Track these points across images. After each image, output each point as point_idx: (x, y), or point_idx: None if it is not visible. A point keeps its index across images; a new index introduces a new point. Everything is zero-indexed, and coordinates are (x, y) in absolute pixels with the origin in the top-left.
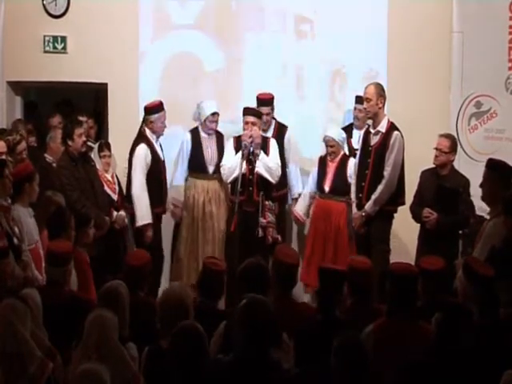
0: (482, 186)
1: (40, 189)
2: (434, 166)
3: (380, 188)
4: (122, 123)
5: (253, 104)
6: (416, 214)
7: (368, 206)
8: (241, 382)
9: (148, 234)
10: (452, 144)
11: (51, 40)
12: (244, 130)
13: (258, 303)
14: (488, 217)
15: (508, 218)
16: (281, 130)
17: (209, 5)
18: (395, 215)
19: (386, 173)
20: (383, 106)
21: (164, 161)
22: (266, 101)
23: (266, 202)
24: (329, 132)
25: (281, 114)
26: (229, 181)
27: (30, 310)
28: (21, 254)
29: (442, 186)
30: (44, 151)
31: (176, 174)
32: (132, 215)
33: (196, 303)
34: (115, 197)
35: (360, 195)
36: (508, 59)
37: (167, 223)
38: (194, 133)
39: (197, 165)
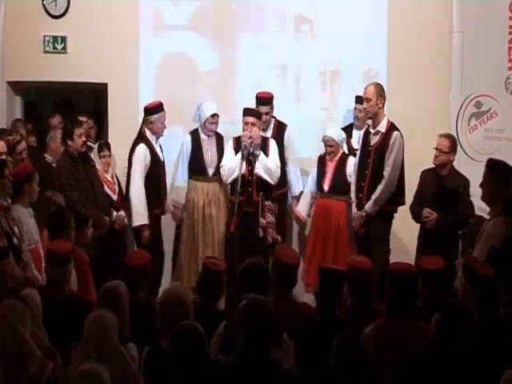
0: (482, 185)
1: (40, 189)
2: (433, 166)
3: (380, 188)
4: (122, 123)
5: (253, 104)
6: (416, 214)
7: (368, 205)
8: (241, 382)
9: (144, 234)
10: (452, 144)
11: (51, 40)
12: (244, 130)
13: (259, 303)
14: (488, 217)
15: (508, 217)
16: (280, 129)
17: (208, 5)
18: (395, 215)
19: (386, 173)
20: (383, 106)
21: (164, 162)
22: (265, 100)
23: (266, 203)
24: (328, 132)
25: (281, 113)
26: (228, 181)
27: (30, 310)
28: (21, 254)
29: (442, 186)
30: (44, 151)
31: (177, 176)
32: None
33: (196, 303)
34: (115, 197)
35: (360, 195)
36: (508, 59)
37: (169, 224)
38: (194, 135)
39: (197, 167)
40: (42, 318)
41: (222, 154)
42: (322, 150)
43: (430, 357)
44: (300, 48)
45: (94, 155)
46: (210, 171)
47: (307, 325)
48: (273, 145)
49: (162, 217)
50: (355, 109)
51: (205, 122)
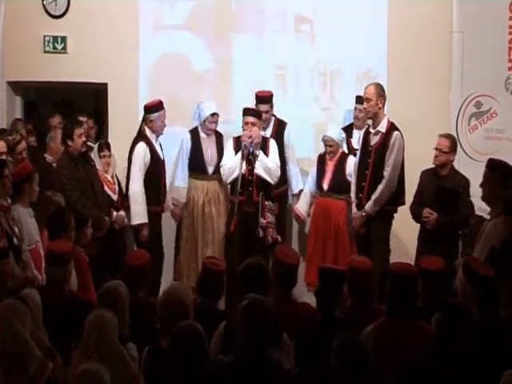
0: (482, 185)
1: (40, 189)
2: (433, 166)
3: (380, 188)
4: (122, 123)
5: (253, 104)
6: (416, 214)
7: (368, 205)
8: (241, 382)
9: (143, 233)
10: (452, 144)
11: (51, 40)
12: (244, 130)
13: (259, 303)
14: (488, 217)
15: (508, 218)
16: (280, 127)
17: (209, 5)
18: (395, 215)
19: (386, 173)
20: (383, 106)
21: (164, 160)
22: (264, 98)
23: (266, 203)
24: (328, 132)
25: (281, 113)
26: (228, 181)
27: (30, 310)
28: (21, 253)
29: (442, 186)
30: (44, 151)
31: (177, 174)
32: None
33: (196, 303)
34: (115, 197)
35: (360, 195)
36: (508, 59)
37: (170, 223)
38: (194, 133)
39: (196, 165)
40: (41, 318)
41: (222, 152)
42: (321, 150)
43: (430, 357)
44: (300, 48)
45: (94, 155)
46: (210, 169)
47: (307, 325)
48: (273, 144)
49: (164, 216)
50: (355, 109)
51: (204, 121)
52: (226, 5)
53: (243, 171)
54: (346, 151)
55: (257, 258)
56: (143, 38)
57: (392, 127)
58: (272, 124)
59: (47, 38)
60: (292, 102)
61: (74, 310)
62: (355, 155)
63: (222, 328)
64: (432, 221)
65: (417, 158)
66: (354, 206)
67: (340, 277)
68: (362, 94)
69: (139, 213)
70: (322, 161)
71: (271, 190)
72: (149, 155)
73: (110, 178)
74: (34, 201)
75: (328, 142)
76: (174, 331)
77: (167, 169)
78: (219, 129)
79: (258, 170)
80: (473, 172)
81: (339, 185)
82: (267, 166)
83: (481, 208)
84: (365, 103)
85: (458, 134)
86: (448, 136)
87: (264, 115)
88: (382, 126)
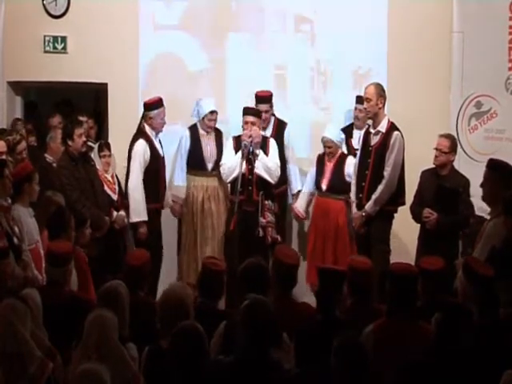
0: (482, 186)
1: (40, 189)
2: (433, 166)
3: (380, 188)
4: (122, 123)
5: (252, 104)
6: (416, 214)
7: (368, 206)
8: (241, 382)
9: (141, 230)
10: (452, 144)
11: (51, 40)
12: (244, 129)
13: (259, 304)
14: (488, 217)
15: (508, 218)
16: (280, 127)
17: (210, 5)
18: (395, 215)
19: (386, 173)
20: (383, 106)
21: (163, 157)
22: (264, 98)
23: (266, 202)
24: (327, 133)
25: (280, 113)
26: (228, 180)
27: (30, 310)
28: (21, 253)
29: (442, 186)
30: (44, 151)
31: (175, 174)
32: None
33: (196, 303)
34: (115, 197)
35: (360, 195)
36: (508, 59)
37: (171, 220)
38: (193, 130)
39: (196, 162)
40: (42, 318)
41: (221, 149)
42: (320, 150)
43: (430, 357)
44: (300, 48)
45: (94, 155)
46: (209, 166)
47: (307, 325)
48: (273, 144)
49: (164, 213)
50: (355, 109)
51: (203, 118)
52: (225, 5)
53: (243, 170)
54: (346, 152)
55: (257, 257)
56: (143, 38)
57: (392, 127)
58: (272, 124)
59: (47, 38)
60: (291, 102)
61: (74, 310)
62: (355, 155)
63: (222, 328)
64: (432, 221)
65: (417, 158)
66: (354, 206)
67: (340, 277)
68: (362, 94)
69: (138, 210)
70: (321, 161)
71: (271, 190)
72: (148, 152)
73: (110, 178)
74: (34, 201)
75: (327, 143)
76: (174, 331)
77: (167, 166)
78: (221, 128)
79: (258, 169)
80: (473, 172)
81: (337, 185)
82: (267, 165)
83: (481, 208)
84: (365, 103)
85: (458, 134)
86: (448, 136)
87: (264, 115)
88: (382, 126)
